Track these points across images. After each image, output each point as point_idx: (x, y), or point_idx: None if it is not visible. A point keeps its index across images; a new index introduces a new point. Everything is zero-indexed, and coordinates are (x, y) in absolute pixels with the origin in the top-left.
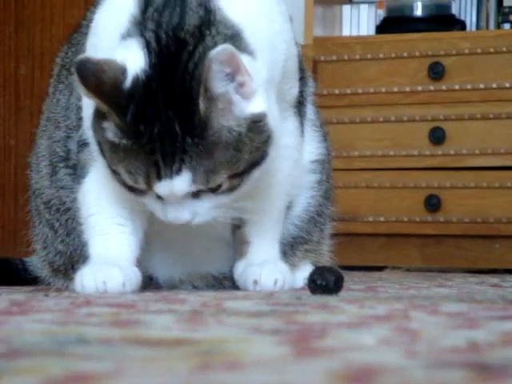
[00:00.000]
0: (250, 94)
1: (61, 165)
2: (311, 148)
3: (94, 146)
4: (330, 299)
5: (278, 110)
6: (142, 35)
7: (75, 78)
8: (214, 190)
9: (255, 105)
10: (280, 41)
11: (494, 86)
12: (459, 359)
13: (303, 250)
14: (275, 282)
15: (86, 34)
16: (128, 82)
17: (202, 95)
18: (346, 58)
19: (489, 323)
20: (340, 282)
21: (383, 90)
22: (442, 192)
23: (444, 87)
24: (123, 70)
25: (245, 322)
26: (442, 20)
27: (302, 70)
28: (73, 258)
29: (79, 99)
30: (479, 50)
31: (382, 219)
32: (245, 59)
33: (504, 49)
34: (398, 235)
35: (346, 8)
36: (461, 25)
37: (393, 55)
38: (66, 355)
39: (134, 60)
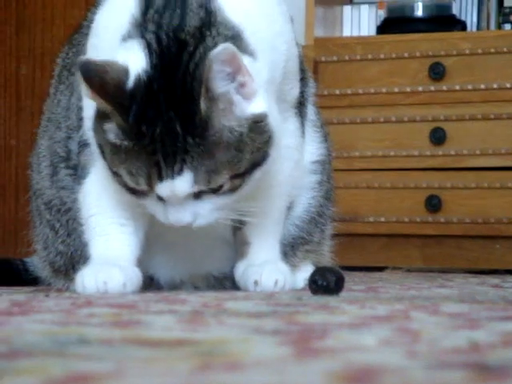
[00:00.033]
0: (250, 94)
1: (61, 165)
2: (312, 148)
3: (94, 147)
4: (331, 300)
5: (279, 110)
6: (143, 36)
7: (79, 79)
8: (216, 191)
9: (256, 105)
10: (281, 41)
11: (495, 86)
12: (460, 360)
13: (304, 251)
14: (276, 283)
15: (86, 34)
16: (130, 83)
17: (203, 95)
18: (346, 58)
19: (490, 324)
20: (341, 283)
21: (384, 90)
22: (443, 192)
23: (445, 87)
24: (126, 71)
25: (245, 322)
26: (443, 20)
27: (302, 70)
28: (73, 258)
29: (80, 99)
30: (480, 51)
31: (382, 219)
32: (245, 60)
33: (505, 49)
34: (398, 235)
35: (347, 8)
36: (461, 25)
37: (393, 56)
38: (67, 356)
39: (135, 61)
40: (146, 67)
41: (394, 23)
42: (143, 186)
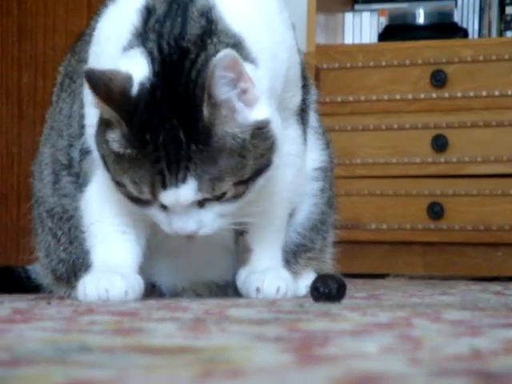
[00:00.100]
0: (252, 100)
1: (63, 173)
2: (314, 155)
3: (96, 154)
4: (333, 307)
5: (281, 117)
6: (145, 45)
7: (85, 87)
8: (219, 199)
9: (258, 112)
10: (282, 49)
11: (497, 93)
12: (462, 367)
13: (306, 258)
14: (278, 290)
15: (89, 42)
16: (134, 91)
17: (205, 101)
18: (348, 65)
19: (492, 331)
20: (342, 290)
21: (385, 97)
22: (445, 200)
23: (446, 95)
24: (129, 79)
25: (247, 329)
26: (445, 28)
27: (304, 77)
28: (75, 265)
29: (81, 107)
30: (481, 58)
31: (384, 227)
32: (247, 67)
33: (506, 56)
34: (400, 243)
35: (349, 16)
36: (463, 32)
37: (395, 63)
38: (69, 363)
39: (137, 69)
40: (149, 75)
41: (396, 30)
42: (147, 195)
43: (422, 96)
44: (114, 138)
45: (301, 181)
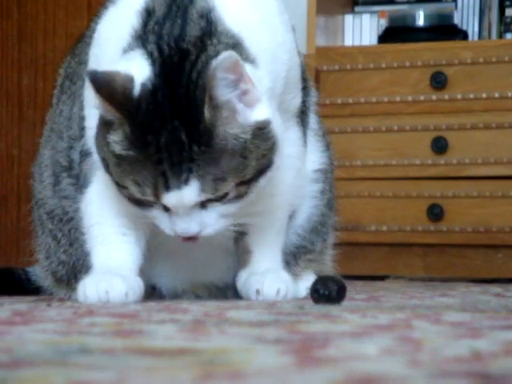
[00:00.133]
0: (253, 101)
1: (64, 175)
2: (314, 157)
3: (96, 156)
4: (333, 309)
5: (281, 119)
6: (145, 47)
7: (89, 88)
8: (221, 199)
9: (259, 112)
10: (282, 51)
11: (497, 95)
12: (462, 369)
13: (306, 260)
14: (278, 292)
15: (89, 44)
16: (136, 91)
17: (206, 103)
18: (348, 67)
19: (492, 333)
20: (342, 292)
21: (385, 99)
22: (445, 201)
23: (446, 97)
24: (131, 80)
25: (247, 331)
26: (444, 30)
27: (304, 79)
28: (75, 267)
29: (81, 109)
30: (481, 60)
31: (384, 228)
32: (247, 67)
33: (506, 58)
34: (400, 244)
35: (348, 18)
36: (463, 34)
37: (395, 65)
38: (69, 365)
39: (138, 71)
40: (150, 76)
41: (396, 32)
42: (149, 197)
43: (422, 98)
44: (116, 139)
45: (301, 183)
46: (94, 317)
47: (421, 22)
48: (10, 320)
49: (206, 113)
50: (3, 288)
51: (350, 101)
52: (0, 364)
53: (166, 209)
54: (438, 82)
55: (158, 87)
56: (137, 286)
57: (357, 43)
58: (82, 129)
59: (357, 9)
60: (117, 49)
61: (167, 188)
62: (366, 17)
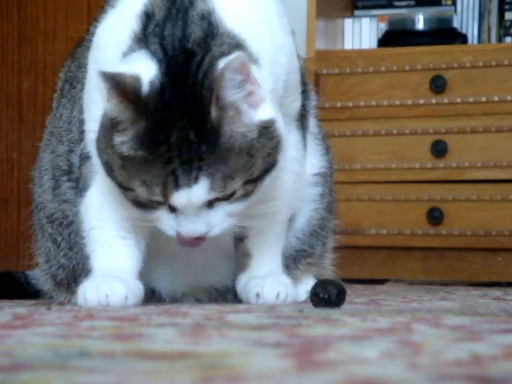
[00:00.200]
0: (258, 102)
1: (63, 178)
2: (313, 161)
3: (96, 160)
4: (333, 312)
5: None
6: (148, 48)
7: (103, 88)
8: (229, 198)
9: (263, 112)
10: (282, 54)
11: (496, 99)
12: (462, 372)
13: (306, 264)
14: (277, 295)
15: (88, 48)
16: (145, 90)
17: (213, 103)
18: (347, 71)
19: (491, 336)
20: (342, 295)
21: (385, 103)
22: (445, 205)
23: (446, 100)
24: (138, 79)
25: (247, 335)
26: (444, 33)
27: (304, 83)
28: (75, 271)
29: (81, 113)
30: (481, 64)
31: (384, 232)
32: (252, 68)
33: (506, 62)
34: (400, 248)
35: (348, 21)
36: (462, 38)
37: (395, 68)
38: (69, 368)
39: (144, 70)
40: (157, 75)
41: (395, 36)
42: (158, 197)
43: (422, 101)
44: (124, 140)
45: (300, 186)
46: (94, 320)
47: (420, 25)
48: (10, 323)
49: (213, 112)
50: (3, 291)
51: (350, 104)
52: (0, 367)
53: (172, 210)
54: (438, 85)
55: (166, 86)
56: (137, 289)
57: (356, 47)
58: (82, 132)
59: (356, 12)
60: (117, 52)
61: (177, 187)
62: (365, 20)
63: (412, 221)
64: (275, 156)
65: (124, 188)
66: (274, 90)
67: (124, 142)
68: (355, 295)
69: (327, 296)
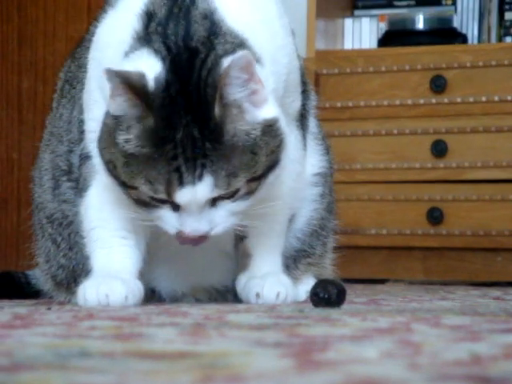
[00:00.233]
0: (261, 102)
1: (63, 178)
2: (314, 161)
3: (97, 160)
4: (333, 312)
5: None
6: (151, 46)
7: (109, 86)
8: (232, 196)
9: (266, 111)
10: (282, 54)
11: (496, 98)
12: (462, 372)
13: (306, 264)
14: (277, 295)
15: (88, 48)
16: (151, 86)
17: (217, 100)
18: (347, 71)
19: (491, 336)
20: (342, 295)
21: (385, 102)
22: (445, 205)
23: (446, 100)
24: (143, 75)
25: (247, 335)
26: (444, 33)
27: (304, 83)
28: (75, 271)
29: (81, 113)
30: (481, 63)
31: (384, 232)
32: (256, 67)
33: (506, 62)
34: (400, 248)
35: (348, 21)
36: (462, 38)
37: (395, 68)
38: (69, 368)
39: (148, 67)
40: (161, 71)
41: (395, 36)
42: (162, 194)
43: (422, 101)
44: (129, 138)
45: (300, 186)
46: (94, 320)
47: (420, 25)
48: (10, 323)
49: (217, 110)
50: (3, 291)
51: (350, 104)
52: (0, 367)
53: (175, 209)
54: (438, 85)
55: (171, 82)
56: (136, 289)
57: (356, 47)
58: (82, 132)
59: (356, 12)
60: (118, 52)
61: (181, 184)
62: (365, 20)
63: (412, 221)
64: (278, 154)
65: (127, 186)
66: (276, 89)
67: (129, 139)
68: (355, 295)
69: (327, 296)
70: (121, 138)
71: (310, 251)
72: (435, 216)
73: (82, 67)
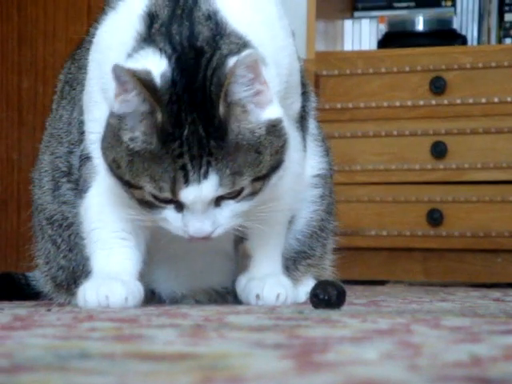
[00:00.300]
0: (266, 103)
1: (63, 180)
2: (313, 162)
3: (98, 161)
4: (333, 313)
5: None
6: (155, 46)
7: (118, 82)
8: (237, 196)
9: (270, 112)
10: (283, 56)
11: (496, 100)
12: (461, 373)
13: (306, 265)
14: (277, 297)
15: (88, 49)
16: (157, 83)
17: (222, 99)
18: (347, 72)
19: (491, 337)
20: (342, 297)
21: (385, 104)
22: (444, 206)
23: (446, 101)
24: (149, 73)
25: (247, 336)
26: (444, 35)
27: (304, 84)
28: (75, 272)
29: (81, 114)
30: (481, 65)
31: (384, 233)
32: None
33: (505, 63)
34: (400, 249)
35: (348, 23)
36: (462, 39)
37: (394, 70)
38: (69, 370)
39: (153, 65)
40: (167, 69)
41: (395, 37)
42: (166, 193)
43: (422, 103)
44: (134, 136)
45: (300, 188)
46: (94, 321)
47: (420, 27)
48: (10, 325)
49: (221, 108)
50: (3, 293)
51: (350, 106)
52: (0, 369)
53: (178, 209)
54: (438, 86)
55: (177, 80)
56: (137, 290)
57: (356, 48)
58: (82, 133)
59: (356, 14)
60: (120, 54)
61: (186, 182)
62: (365, 22)
63: (412, 222)
64: (282, 154)
65: (131, 186)
66: (279, 91)
67: (134, 137)
68: (355, 296)
69: (327, 297)
70: (126, 136)
71: (310, 252)
72: (435, 217)
73: (82, 69)
